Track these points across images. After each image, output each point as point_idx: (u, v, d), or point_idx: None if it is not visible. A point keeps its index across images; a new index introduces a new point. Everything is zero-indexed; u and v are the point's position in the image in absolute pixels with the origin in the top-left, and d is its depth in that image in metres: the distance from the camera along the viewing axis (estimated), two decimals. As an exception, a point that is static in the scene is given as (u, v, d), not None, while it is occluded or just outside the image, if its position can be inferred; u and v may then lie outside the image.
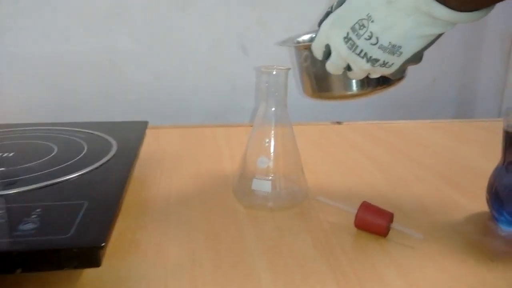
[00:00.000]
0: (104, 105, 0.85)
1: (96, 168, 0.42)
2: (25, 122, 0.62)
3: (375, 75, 0.39)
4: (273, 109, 0.44)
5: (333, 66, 0.40)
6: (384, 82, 0.41)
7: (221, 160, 0.61)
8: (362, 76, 0.40)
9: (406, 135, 0.75)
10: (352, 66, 0.38)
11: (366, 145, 0.70)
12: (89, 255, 0.28)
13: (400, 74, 0.39)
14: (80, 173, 0.41)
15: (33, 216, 0.32)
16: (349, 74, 0.40)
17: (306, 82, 0.46)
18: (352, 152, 0.66)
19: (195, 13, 0.83)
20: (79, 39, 0.80)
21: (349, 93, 0.42)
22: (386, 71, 0.38)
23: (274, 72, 0.43)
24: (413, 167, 0.60)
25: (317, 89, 0.44)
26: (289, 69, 0.44)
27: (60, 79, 0.82)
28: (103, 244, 0.28)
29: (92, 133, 0.53)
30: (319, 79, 0.43)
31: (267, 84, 0.44)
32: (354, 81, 0.42)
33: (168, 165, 0.59)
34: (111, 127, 0.56)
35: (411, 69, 0.95)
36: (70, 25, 0.79)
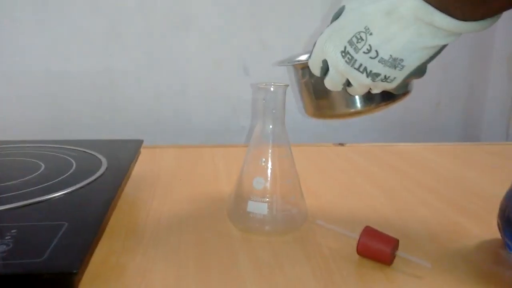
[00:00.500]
0: (102, 124, 0.84)
1: (82, 187, 0.40)
2: (21, 139, 0.60)
3: (376, 90, 0.37)
4: (271, 127, 0.42)
5: (331, 83, 0.38)
6: (388, 97, 0.39)
7: (218, 181, 0.59)
8: (363, 92, 0.37)
9: (411, 158, 0.73)
10: (352, 81, 0.36)
11: (369, 168, 0.67)
12: (62, 282, 0.26)
13: (403, 89, 0.37)
14: (64, 192, 0.39)
15: (7, 237, 0.30)
16: (349, 90, 0.38)
17: (307, 102, 0.44)
18: (355, 174, 0.63)
19: (196, 33, 0.82)
20: (79, 58, 0.80)
21: (352, 110, 0.40)
22: (388, 86, 0.36)
23: (272, 89, 0.41)
24: (419, 191, 0.57)
25: (318, 108, 0.42)
26: (287, 85, 0.42)
27: (58, 98, 0.81)
28: (76, 271, 0.26)
29: (83, 151, 0.51)
30: (319, 98, 0.41)
31: (264, 101, 0.42)
32: (356, 97, 0.40)
33: (162, 186, 0.56)
34: (104, 145, 0.54)
35: (415, 92, 0.93)
36: (69, 44, 0.78)
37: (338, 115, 0.41)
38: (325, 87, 0.39)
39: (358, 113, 0.40)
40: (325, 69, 0.38)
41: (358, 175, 0.63)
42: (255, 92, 0.85)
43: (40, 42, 0.77)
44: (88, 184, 0.41)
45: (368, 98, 0.39)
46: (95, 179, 0.42)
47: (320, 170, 0.66)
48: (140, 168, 0.62)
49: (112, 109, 0.84)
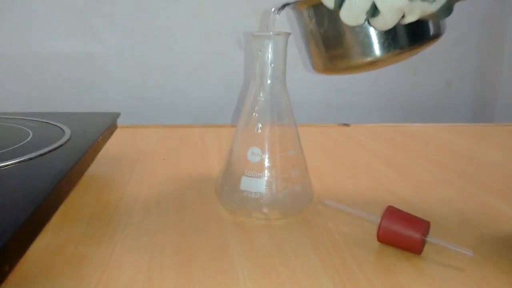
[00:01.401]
0: (82, 104, 0.75)
1: (32, 158, 0.32)
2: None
3: (411, 17, 0.28)
4: (269, 84, 0.34)
5: (351, 12, 0.29)
6: (414, 41, 0.31)
7: (207, 162, 0.51)
8: (392, 22, 0.28)
9: (423, 137, 0.65)
10: (380, 5, 0.28)
11: (380, 147, 0.59)
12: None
13: (445, 15, 0.29)
14: (7, 163, 0.30)
15: None
16: (374, 21, 0.29)
17: (315, 54, 0.35)
18: (365, 155, 0.55)
19: (185, 4, 0.74)
20: (57, 33, 0.71)
21: (369, 58, 0.32)
22: (429, 8, 0.27)
23: (270, 37, 0.33)
24: (439, 171, 0.49)
25: (329, 60, 0.34)
26: (289, 33, 0.34)
27: (37, 76, 0.73)
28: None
29: (45, 122, 0.43)
30: (330, 45, 0.33)
31: (260, 53, 0.34)
32: (376, 41, 0.31)
33: (141, 165, 0.48)
34: (72, 118, 0.46)
35: (423, 70, 0.83)
36: (47, 18, 0.70)
37: (354, 66, 0.33)
38: (337, 30, 0.31)
39: (377, 62, 0.32)
40: None
41: (368, 156, 0.55)
42: (249, 42, 0.77)
43: (14, 17, 0.69)
44: (40, 155, 0.32)
45: (392, 40, 0.31)
46: (50, 150, 0.33)
47: (325, 150, 0.58)
48: (118, 147, 0.54)
49: (93, 87, 0.75)
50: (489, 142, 0.65)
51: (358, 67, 0.33)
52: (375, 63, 0.32)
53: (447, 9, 0.28)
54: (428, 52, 0.88)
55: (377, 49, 0.31)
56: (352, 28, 0.31)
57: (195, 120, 0.79)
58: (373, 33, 0.31)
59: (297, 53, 0.77)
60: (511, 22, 0.86)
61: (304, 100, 0.81)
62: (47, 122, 0.43)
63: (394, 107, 0.86)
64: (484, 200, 0.41)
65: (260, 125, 0.34)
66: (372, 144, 0.61)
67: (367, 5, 0.28)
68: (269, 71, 0.34)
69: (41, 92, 0.74)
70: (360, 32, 0.31)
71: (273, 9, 0.33)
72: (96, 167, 0.46)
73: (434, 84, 0.87)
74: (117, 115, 0.49)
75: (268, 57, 0.33)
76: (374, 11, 0.28)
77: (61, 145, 0.35)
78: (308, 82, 0.80)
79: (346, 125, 0.73)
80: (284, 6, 0.33)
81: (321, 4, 0.30)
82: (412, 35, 0.31)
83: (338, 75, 0.35)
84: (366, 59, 0.32)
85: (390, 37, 0.31)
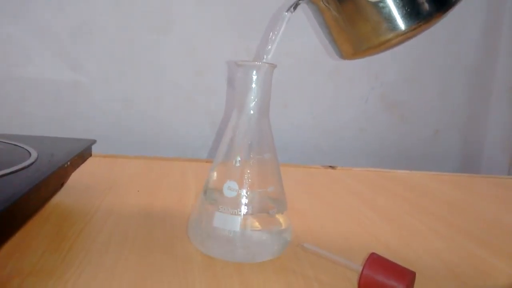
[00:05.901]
0: (62, 132, 0.73)
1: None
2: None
3: None
4: (251, 115, 0.32)
5: None
6: (435, 10, 0.30)
7: (184, 198, 0.48)
8: None
9: (410, 184, 0.64)
10: None
11: (366, 192, 0.57)
12: None
13: None
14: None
15: None
16: None
17: (341, 40, 0.34)
18: (350, 198, 0.53)
19: (177, 38, 0.74)
20: (41, 58, 0.70)
21: (393, 33, 0.31)
22: None
23: (256, 67, 0.32)
24: (427, 219, 0.47)
25: (358, 41, 0.33)
26: (275, 66, 0.33)
27: (18, 102, 0.70)
28: None
29: (13, 144, 0.41)
30: (356, 26, 0.32)
31: (243, 83, 0.32)
32: (403, 12, 0.30)
33: (113, 197, 0.45)
34: (43, 142, 0.43)
35: (412, 118, 0.82)
36: (31, 43, 0.69)
37: (384, 42, 0.31)
38: (359, 10, 0.31)
39: (406, 33, 0.31)
40: None
41: (353, 199, 0.53)
42: (232, 71, 0.76)
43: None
44: (-3, 177, 0.30)
45: (416, 11, 0.30)
46: (9, 173, 0.31)
47: (309, 191, 0.55)
48: (92, 176, 0.51)
49: (74, 115, 0.73)
50: (476, 193, 0.64)
51: (388, 42, 0.31)
52: (404, 35, 0.31)
53: None
54: (416, 101, 0.88)
55: (401, 23, 0.30)
56: (375, 3, 0.30)
57: (177, 154, 0.77)
58: (397, 4, 0.30)
59: (283, 93, 0.77)
60: (499, 72, 0.87)
61: (290, 141, 0.79)
62: (15, 144, 0.40)
63: (381, 153, 0.85)
64: (475, 253, 0.38)
65: (239, 158, 0.32)
66: (358, 187, 0.59)
67: None
68: (252, 101, 0.32)
69: (22, 118, 0.71)
70: (384, 7, 0.30)
71: (286, 12, 0.33)
72: (63, 196, 0.43)
73: (422, 133, 0.87)
74: (92, 141, 0.46)
75: (251, 86, 0.32)
76: None
77: (22, 168, 0.32)
78: (295, 124, 0.79)
79: (332, 167, 0.71)
80: (297, 3, 0.33)
81: None
82: (431, 6, 0.30)
83: (369, 56, 0.34)
84: (395, 32, 0.31)
85: (416, 5, 0.30)
